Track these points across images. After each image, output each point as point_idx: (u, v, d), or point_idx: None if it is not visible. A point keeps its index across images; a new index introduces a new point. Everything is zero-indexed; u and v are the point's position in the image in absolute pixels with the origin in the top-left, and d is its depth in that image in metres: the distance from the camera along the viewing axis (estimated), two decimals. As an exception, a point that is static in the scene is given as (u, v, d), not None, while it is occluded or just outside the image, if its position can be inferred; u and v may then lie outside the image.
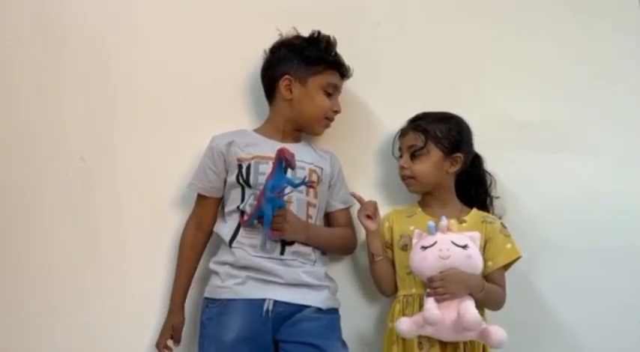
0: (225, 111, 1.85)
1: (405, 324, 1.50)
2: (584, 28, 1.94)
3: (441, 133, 1.68)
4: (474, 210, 1.72)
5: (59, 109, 1.85)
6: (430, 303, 1.47)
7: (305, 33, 1.75)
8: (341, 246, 1.75)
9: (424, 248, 1.52)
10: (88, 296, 1.77)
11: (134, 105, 1.85)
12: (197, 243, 1.72)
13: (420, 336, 1.54)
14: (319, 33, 1.73)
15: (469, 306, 1.47)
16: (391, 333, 1.63)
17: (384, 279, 1.68)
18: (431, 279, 1.49)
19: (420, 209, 1.73)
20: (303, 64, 1.70)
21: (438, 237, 1.52)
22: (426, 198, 1.74)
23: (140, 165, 1.83)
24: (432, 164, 1.68)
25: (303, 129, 1.76)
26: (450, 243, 1.51)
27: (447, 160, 1.69)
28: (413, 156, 1.68)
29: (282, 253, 1.61)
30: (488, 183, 1.79)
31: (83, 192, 1.81)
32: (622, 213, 1.86)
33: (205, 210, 1.72)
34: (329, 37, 1.73)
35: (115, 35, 1.88)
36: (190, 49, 1.87)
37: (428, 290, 1.50)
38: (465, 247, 1.51)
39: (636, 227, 1.86)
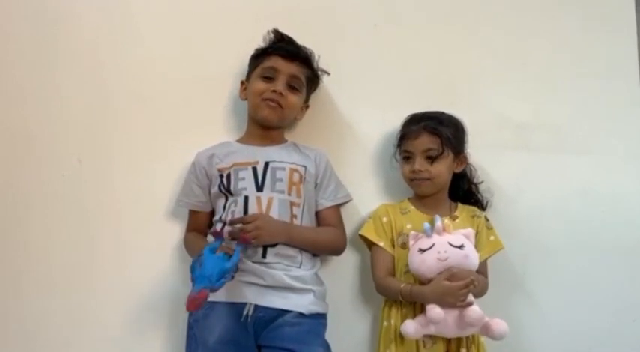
0: (224, 112, 1.85)
1: (410, 326, 1.51)
2: (580, 28, 1.94)
3: (451, 135, 1.69)
4: (460, 205, 1.74)
5: (56, 110, 1.85)
6: (432, 303, 1.49)
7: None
8: (328, 246, 1.71)
9: (422, 251, 1.53)
10: (84, 297, 1.77)
11: (131, 106, 1.86)
12: (199, 236, 1.72)
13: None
14: (271, 31, 1.74)
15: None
16: (388, 331, 1.62)
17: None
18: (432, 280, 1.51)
19: (413, 207, 1.72)
20: (251, 66, 1.76)
21: (435, 239, 1.54)
22: (421, 197, 1.72)
23: (137, 166, 1.83)
24: (447, 166, 1.69)
25: (258, 122, 1.73)
26: (447, 245, 1.53)
27: (455, 160, 1.71)
28: (430, 159, 1.67)
29: (263, 256, 1.59)
30: (469, 172, 1.79)
31: (79, 193, 1.81)
32: (618, 213, 1.86)
33: (198, 224, 1.73)
34: (274, 29, 1.74)
35: (112, 37, 1.89)
36: (189, 51, 1.88)
37: None
38: (461, 247, 1.53)
39: (632, 227, 1.86)
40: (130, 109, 1.85)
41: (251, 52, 1.77)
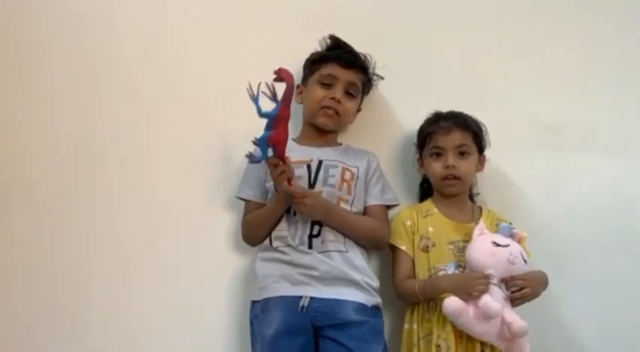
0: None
1: (455, 303, 1.49)
2: (613, 29, 1.92)
3: (479, 133, 1.69)
4: (484, 209, 1.73)
5: (99, 115, 1.91)
6: (485, 297, 1.49)
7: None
8: (369, 234, 1.68)
9: (497, 244, 1.54)
10: (123, 297, 1.81)
11: (170, 109, 1.90)
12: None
13: (438, 338, 1.55)
14: (327, 37, 1.77)
15: (514, 315, 1.50)
16: (410, 335, 1.62)
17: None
18: (512, 279, 1.53)
19: (436, 209, 1.70)
20: (308, 70, 1.78)
21: (512, 242, 1.56)
22: (445, 198, 1.72)
23: (177, 167, 1.87)
24: (474, 164, 1.69)
25: (314, 126, 1.76)
26: (519, 253, 1.55)
27: (478, 161, 1.71)
28: (461, 155, 1.66)
29: (310, 246, 1.62)
30: None
31: (121, 192, 1.86)
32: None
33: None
34: (331, 35, 1.76)
35: (151, 40, 1.93)
36: (232, 51, 1.90)
37: (495, 284, 1.51)
38: (525, 262, 1.57)
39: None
40: (170, 112, 1.89)
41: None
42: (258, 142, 1.53)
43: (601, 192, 1.85)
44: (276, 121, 1.51)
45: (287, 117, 1.52)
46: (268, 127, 1.52)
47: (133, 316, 1.80)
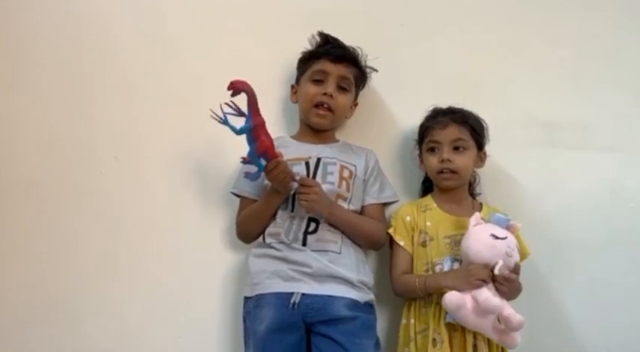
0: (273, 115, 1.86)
1: (455, 298, 1.48)
2: (608, 26, 1.92)
3: (477, 128, 1.69)
4: (485, 205, 1.73)
5: (92, 112, 1.91)
6: (486, 292, 1.49)
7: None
8: (367, 234, 1.69)
9: (495, 237, 1.53)
10: (118, 294, 1.82)
11: (164, 107, 1.90)
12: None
13: (434, 332, 1.56)
14: (317, 34, 1.77)
15: (511, 309, 1.50)
16: (407, 330, 1.63)
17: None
18: (508, 278, 1.52)
19: (435, 204, 1.71)
20: (300, 69, 1.79)
21: (508, 234, 1.55)
22: (444, 193, 1.72)
23: (172, 165, 1.87)
24: (471, 159, 1.69)
25: (309, 125, 1.76)
26: (515, 246, 1.55)
27: (477, 156, 1.71)
28: (457, 149, 1.67)
29: (304, 244, 1.62)
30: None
31: (116, 189, 1.87)
32: (646, 210, 1.84)
33: None
34: (320, 32, 1.76)
35: (146, 38, 1.93)
36: (228, 48, 1.90)
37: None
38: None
39: (661, 223, 1.83)
40: (165, 109, 1.89)
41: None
42: (250, 159, 1.54)
43: (597, 189, 1.85)
44: (255, 132, 1.53)
45: (262, 124, 1.54)
46: (250, 141, 1.53)
47: (128, 313, 1.81)
